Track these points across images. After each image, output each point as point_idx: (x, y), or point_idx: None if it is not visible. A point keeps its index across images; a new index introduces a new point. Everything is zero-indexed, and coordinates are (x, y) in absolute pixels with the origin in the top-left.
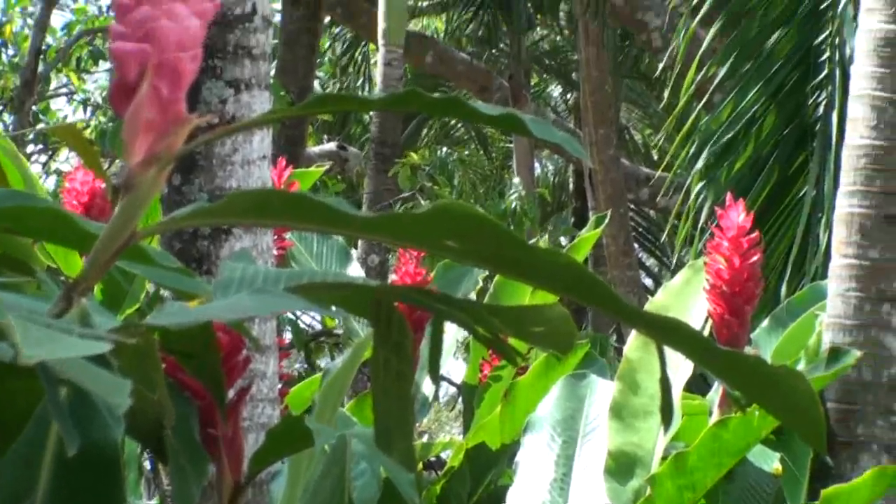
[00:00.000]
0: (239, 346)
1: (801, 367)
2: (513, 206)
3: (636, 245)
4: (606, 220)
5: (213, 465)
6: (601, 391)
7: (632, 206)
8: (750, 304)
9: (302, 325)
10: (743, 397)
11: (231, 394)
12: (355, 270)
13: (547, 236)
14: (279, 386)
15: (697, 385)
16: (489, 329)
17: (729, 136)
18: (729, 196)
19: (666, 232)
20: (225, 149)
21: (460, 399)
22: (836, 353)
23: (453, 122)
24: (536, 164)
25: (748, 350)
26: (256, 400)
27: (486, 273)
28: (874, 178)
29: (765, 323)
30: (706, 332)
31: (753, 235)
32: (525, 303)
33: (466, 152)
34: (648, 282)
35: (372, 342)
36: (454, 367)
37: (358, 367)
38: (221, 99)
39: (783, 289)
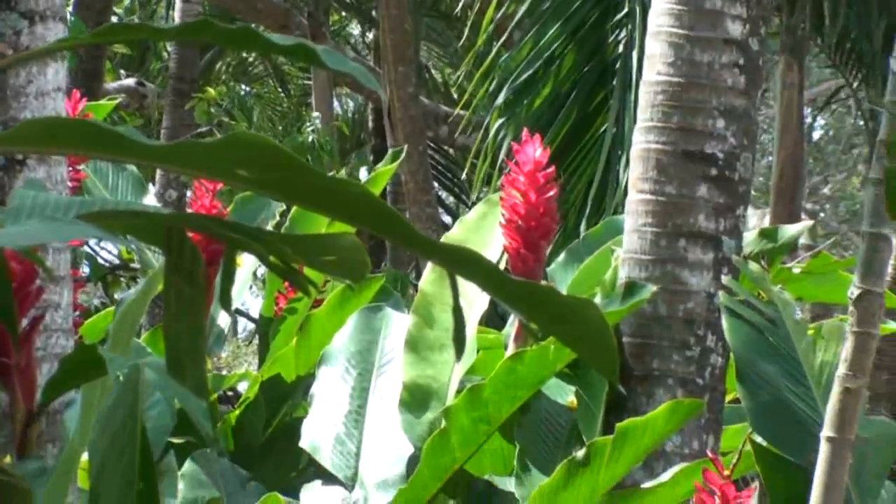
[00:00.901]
0: (32, 276)
1: (597, 301)
2: (310, 139)
3: (436, 183)
4: (403, 155)
5: (6, 393)
6: (396, 324)
7: (431, 144)
8: (546, 239)
9: (101, 261)
10: (538, 330)
11: (24, 323)
12: (151, 202)
13: (345, 170)
14: (74, 316)
15: (493, 323)
16: (282, 259)
17: (528, 73)
18: (526, 132)
19: (465, 170)
20: (19, 80)
21: (257, 333)
22: (631, 288)
23: (250, 58)
24: (336, 103)
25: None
26: (50, 330)
27: (283, 207)
28: (671, 114)
29: (561, 257)
30: (502, 267)
31: (550, 170)
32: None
33: (266, 90)
34: (448, 219)
35: (164, 272)
36: (254, 303)
37: (152, 297)
38: (15, 30)
39: (583, 226)
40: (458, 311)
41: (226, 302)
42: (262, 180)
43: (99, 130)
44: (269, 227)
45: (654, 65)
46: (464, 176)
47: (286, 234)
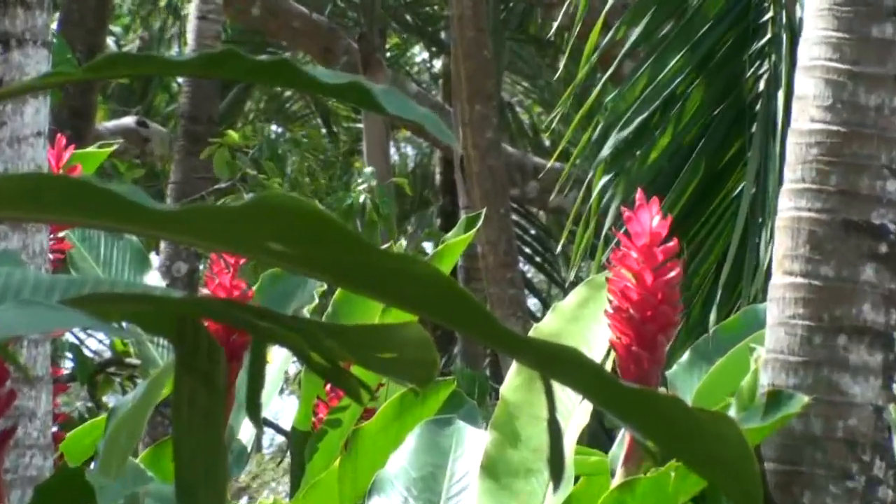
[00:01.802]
0: (1, 377)
1: (731, 413)
2: (361, 200)
3: (521, 256)
4: (481, 221)
5: None
6: (471, 442)
7: (515, 206)
8: (665, 333)
9: (88, 353)
10: (656, 451)
11: None
12: (155, 280)
13: (405, 241)
14: (53, 429)
15: (597, 439)
16: (326, 355)
17: (643, 117)
18: (640, 193)
19: (561, 241)
20: None
21: (289, 450)
22: (776, 398)
23: (286, 93)
24: (393, 150)
25: (662, 391)
26: (23, 446)
27: (324, 286)
28: (828, 173)
29: (685, 357)
30: (609, 369)
31: (671, 244)
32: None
33: (303, 132)
34: (535, 303)
35: (174, 372)
36: (283, 407)
37: (156, 404)
38: None
39: (712, 315)
40: (554, 428)
41: (253, 410)
42: (301, 257)
43: (92, 191)
44: (307, 314)
45: (806, 108)
46: (558, 249)
47: (332, 324)
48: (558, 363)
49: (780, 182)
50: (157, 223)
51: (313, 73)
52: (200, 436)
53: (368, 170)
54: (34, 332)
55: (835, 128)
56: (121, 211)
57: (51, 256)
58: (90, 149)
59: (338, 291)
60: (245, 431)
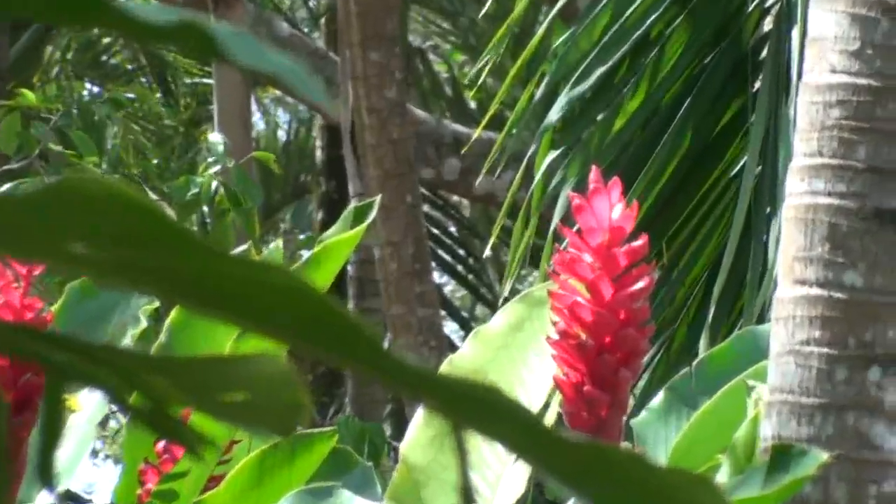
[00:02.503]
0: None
1: (721, 476)
2: (212, 187)
3: (435, 263)
4: (375, 212)
5: None
6: None
7: (427, 193)
8: (629, 367)
9: None
10: None
11: None
12: None
13: (279, 244)
14: None
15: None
16: (154, 399)
17: (604, 68)
18: (595, 173)
19: (490, 241)
20: None
21: None
22: (784, 456)
23: (104, 38)
24: (258, 117)
25: (624, 445)
26: None
27: (156, 304)
28: (854, 143)
29: (657, 400)
30: (551, 417)
31: (639, 243)
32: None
33: (131, 94)
34: (455, 328)
35: None
36: (98, 476)
37: None
38: None
39: (701, 343)
40: (467, 497)
41: (46, 476)
42: (119, 264)
43: None
44: (130, 343)
45: (825, 54)
46: (487, 252)
47: (155, 356)
48: (478, 409)
49: (790, 158)
50: None
51: (132, 11)
52: None
53: (217, 139)
54: None
55: (863, 81)
56: None
57: None
58: None
59: (174, 312)
60: None
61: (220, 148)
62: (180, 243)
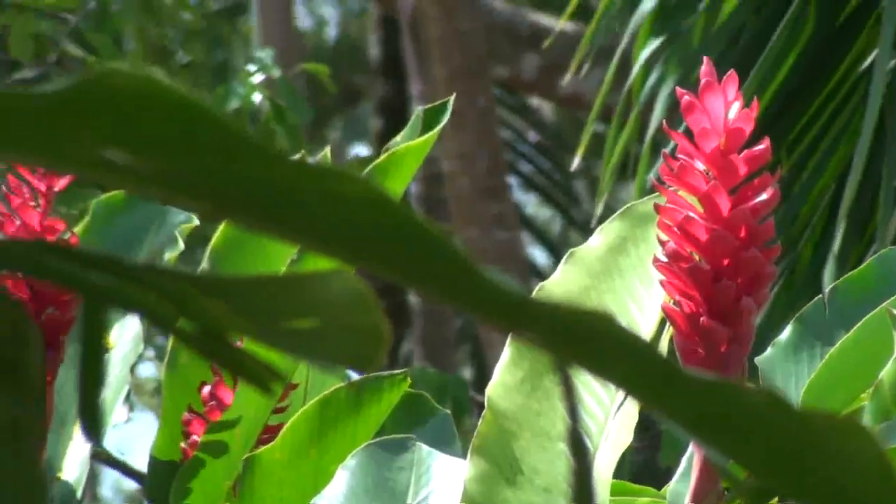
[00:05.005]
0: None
1: (865, 420)
2: (254, 98)
3: (514, 178)
4: (447, 116)
5: None
6: (441, 477)
7: (504, 95)
8: (753, 294)
9: None
10: (745, 480)
11: None
12: None
13: (328, 153)
14: None
15: (649, 468)
16: (205, 325)
17: None
18: (707, 66)
19: (580, 151)
20: None
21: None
22: None
23: None
24: (302, 9)
25: (751, 386)
26: None
27: (195, 222)
28: None
29: (786, 333)
30: (663, 350)
31: (761, 148)
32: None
33: None
34: (540, 253)
35: None
36: (130, 433)
37: None
38: None
39: (828, 266)
40: (577, 447)
41: (93, 426)
42: (159, 172)
43: None
44: (169, 261)
45: None
46: (576, 164)
47: (211, 275)
48: (583, 340)
49: None
50: None
51: None
52: (7, 464)
53: (265, 53)
54: None
55: None
56: None
57: None
58: None
59: (219, 231)
60: (72, 465)
61: (267, 57)
62: (236, 147)
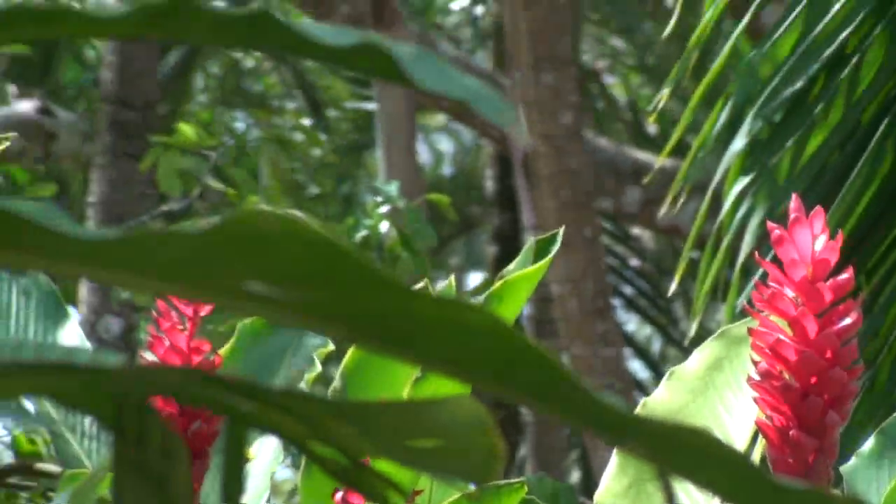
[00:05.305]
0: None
1: None
2: (381, 227)
3: (618, 300)
4: (557, 246)
5: None
6: None
7: (608, 225)
8: (838, 409)
9: None
10: None
11: None
12: (75, 337)
13: (452, 281)
14: None
15: None
16: (336, 446)
17: (795, 87)
18: (795, 201)
19: (677, 275)
20: None
21: None
22: None
23: (247, 60)
24: (421, 146)
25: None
26: None
27: (330, 346)
28: None
29: (868, 444)
30: (756, 461)
31: (845, 277)
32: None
33: (283, 120)
34: (640, 368)
35: (112, 476)
36: None
37: None
38: None
39: None
40: None
41: None
42: (298, 303)
43: None
44: (305, 387)
45: None
46: (673, 288)
47: (342, 400)
48: (683, 453)
49: None
50: (79, 256)
51: (310, 31)
52: None
53: (391, 186)
54: None
55: None
56: (24, 237)
57: None
58: None
59: (349, 354)
60: None
61: (393, 189)
62: (369, 281)
